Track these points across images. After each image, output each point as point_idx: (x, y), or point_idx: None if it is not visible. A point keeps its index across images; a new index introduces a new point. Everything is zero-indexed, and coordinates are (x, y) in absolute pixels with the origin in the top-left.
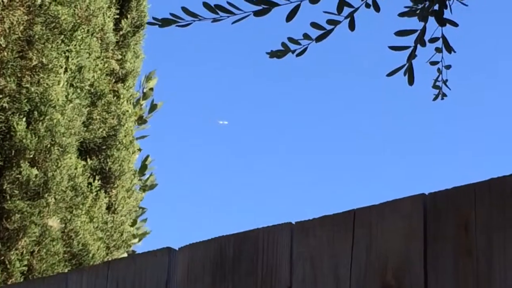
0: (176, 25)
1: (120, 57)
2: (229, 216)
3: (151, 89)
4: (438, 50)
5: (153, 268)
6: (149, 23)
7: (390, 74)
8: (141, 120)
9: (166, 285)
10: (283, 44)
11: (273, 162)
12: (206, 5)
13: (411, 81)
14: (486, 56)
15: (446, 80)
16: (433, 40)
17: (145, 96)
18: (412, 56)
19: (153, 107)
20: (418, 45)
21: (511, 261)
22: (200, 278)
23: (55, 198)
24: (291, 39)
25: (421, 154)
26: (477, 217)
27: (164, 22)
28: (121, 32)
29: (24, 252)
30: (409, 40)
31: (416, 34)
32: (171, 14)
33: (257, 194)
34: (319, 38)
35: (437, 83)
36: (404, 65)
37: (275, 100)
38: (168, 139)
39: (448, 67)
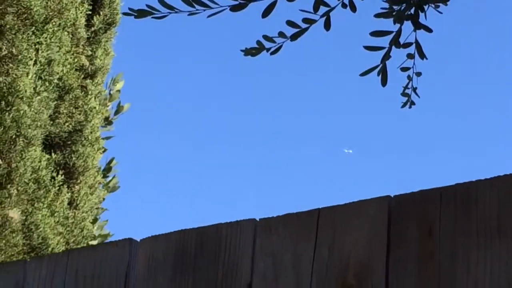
0: (152, 17)
1: (90, 53)
2: (192, 217)
3: (118, 91)
4: (410, 56)
5: (114, 258)
6: (125, 14)
7: (364, 74)
8: (107, 121)
9: (126, 275)
10: (258, 42)
11: (238, 159)
12: None
13: (384, 82)
14: (457, 64)
15: (416, 87)
16: (406, 45)
17: (111, 97)
18: (386, 57)
19: (119, 109)
20: (393, 47)
21: (474, 267)
22: (160, 270)
23: (17, 190)
24: (266, 37)
25: (390, 155)
26: (442, 221)
27: (140, 13)
28: (92, 28)
29: None
30: (384, 41)
31: (391, 35)
32: (147, 6)
33: (221, 192)
34: (294, 37)
35: (407, 91)
36: (378, 65)
37: (244, 97)
38: (132, 141)
39: (418, 74)
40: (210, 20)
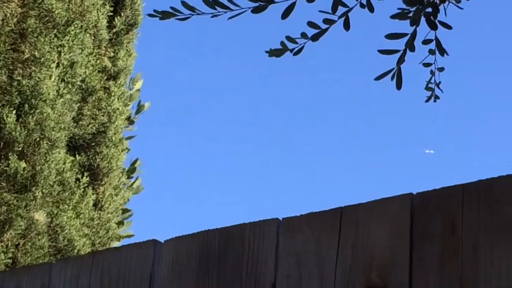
0: (175, 18)
1: (112, 54)
2: (214, 217)
3: (138, 90)
4: (431, 52)
5: (138, 259)
6: (150, 15)
7: (378, 78)
8: (128, 121)
9: (150, 276)
10: (281, 43)
11: (257, 160)
12: (205, 0)
13: (399, 86)
14: (479, 58)
15: (439, 82)
16: (426, 42)
17: (131, 97)
18: (401, 60)
19: (140, 108)
20: (408, 50)
21: (497, 263)
22: (184, 271)
23: (42, 192)
24: (289, 38)
25: (411, 153)
26: (464, 218)
27: (164, 15)
28: (114, 30)
29: (9, 244)
30: (401, 43)
31: (407, 37)
32: (171, 8)
33: (243, 192)
34: (315, 37)
35: (430, 85)
36: (393, 69)
37: (264, 98)
38: (153, 140)
39: (441, 69)
40: (231, 20)
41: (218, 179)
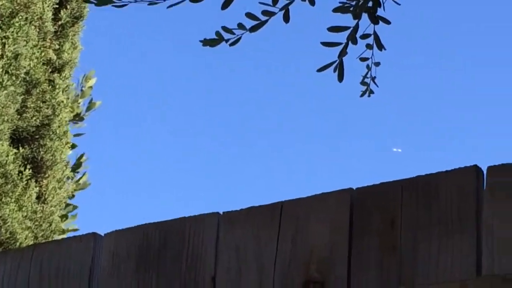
0: (112, 5)
1: (57, 47)
2: (162, 213)
3: (90, 87)
4: (368, 46)
5: (78, 252)
6: (85, 1)
7: (320, 70)
8: (78, 118)
9: (90, 269)
10: (217, 33)
11: (200, 154)
12: None
13: (340, 78)
14: (416, 54)
15: (374, 77)
16: (364, 36)
17: (83, 94)
18: (343, 53)
19: (91, 106)
20: (350, 43)
21: (435, 258)
22: (124, 264)
23: None
24: (225, 28)
25: (350, 148)
26: (403, 214)
27: (100, 1)
28: (59, 22)
29: None
30: (342, 37)
31: (349, 31)
32: None
33: (190, 188)
34: (253, 29)
35: (366, 80)
36: (335, 61)
37: (206, 91)
38: (103, 139)
39: (377, 64)
40: (179, 12)
41: (166, 175)
